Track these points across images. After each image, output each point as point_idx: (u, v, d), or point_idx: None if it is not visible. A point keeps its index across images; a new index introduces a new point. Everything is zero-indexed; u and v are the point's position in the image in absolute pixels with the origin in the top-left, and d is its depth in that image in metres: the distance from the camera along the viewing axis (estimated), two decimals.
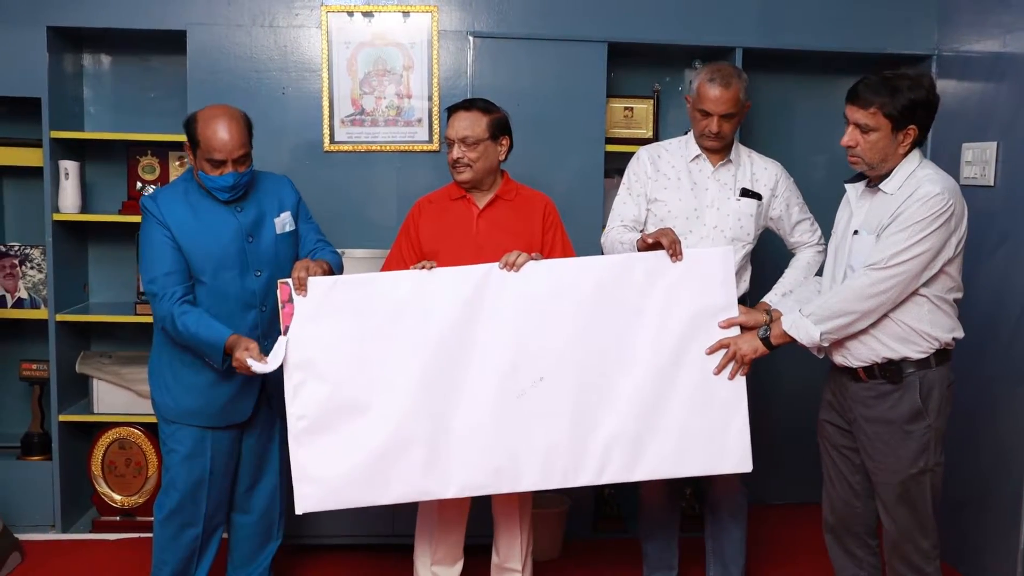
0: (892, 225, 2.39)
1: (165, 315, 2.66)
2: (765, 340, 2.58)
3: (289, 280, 2.59)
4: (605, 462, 2.63)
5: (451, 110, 2.84)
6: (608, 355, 2.62)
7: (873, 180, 2.52)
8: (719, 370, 2.62)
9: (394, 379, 2.59)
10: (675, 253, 2.61)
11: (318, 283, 2.59)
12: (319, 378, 2.58)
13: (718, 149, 2.94)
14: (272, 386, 2.79)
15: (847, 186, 2.62)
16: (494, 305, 2.60)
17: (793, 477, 4.05)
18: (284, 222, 2.83)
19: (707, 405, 2.63)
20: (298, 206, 2.91)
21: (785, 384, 3.99)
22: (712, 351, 2.62)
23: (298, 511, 2.61)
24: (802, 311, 2.53)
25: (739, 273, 2.91)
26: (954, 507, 3.33)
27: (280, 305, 2.59)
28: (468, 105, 2.82)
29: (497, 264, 2.61)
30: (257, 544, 3.01)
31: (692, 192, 2.94)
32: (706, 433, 2.64)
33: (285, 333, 2.57)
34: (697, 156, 2.96)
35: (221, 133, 2.65)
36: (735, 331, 2.63)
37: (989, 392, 3.30)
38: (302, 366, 2.57)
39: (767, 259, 3.08)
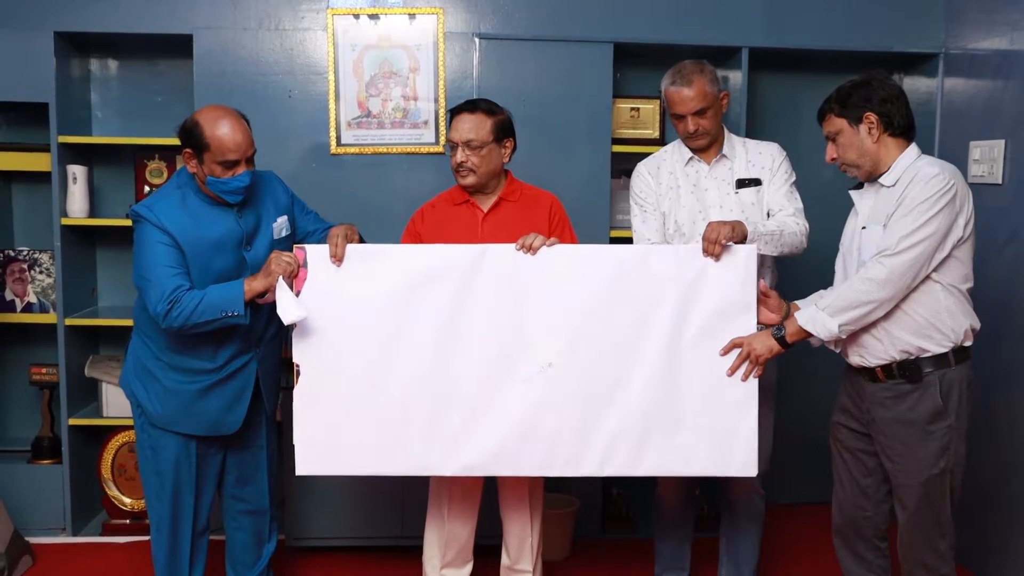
0: (898, 211, 2.39)
1: (164, 295, 2.53)
2: (780, 339, 2.55)
3: (304, 247, 2.61)
4: (609, 455, 2.61)
5: (454, 112, 2.81)
6: (620, 347, 2.60)
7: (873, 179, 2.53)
8: (732, 371, 2.59)
9: (401, 351, 2.60)
10: (709, 253, 2.57)
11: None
12: (328, 343, 2.60)
13: (706, 147, 2.92)
14: (266, 390, 2.80)
15: (851, 193, 2.62)
16: (507, 286, 2.60)
17: (804, 477, 4.04)
18: (281, 227, 2.77)
19: (717, 405, 2.60)
20: (292, 201, 2.85)
21: (797, 382, 3.97)
22: (726, 351, 2.59)
23: (298, 472, 2.64)
24: (817, 305, 2.51)
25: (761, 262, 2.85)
26: (967, 507, 3.31)
27: None
28: (472, 107, 2.79)
29: (514, 245, 2.61)
30: (252, 546, 2.98)
31: (694, 195, 2.92)
32: (714, 434, 2.61)
33: (296, 297, 2.59)
34: (691, 158, 2.94)
35: (235, 133, 2.56)
36: (750, 330, 2.61)
37: (998, 390, 3.29)
38: (312, 329, 2.59)
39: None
